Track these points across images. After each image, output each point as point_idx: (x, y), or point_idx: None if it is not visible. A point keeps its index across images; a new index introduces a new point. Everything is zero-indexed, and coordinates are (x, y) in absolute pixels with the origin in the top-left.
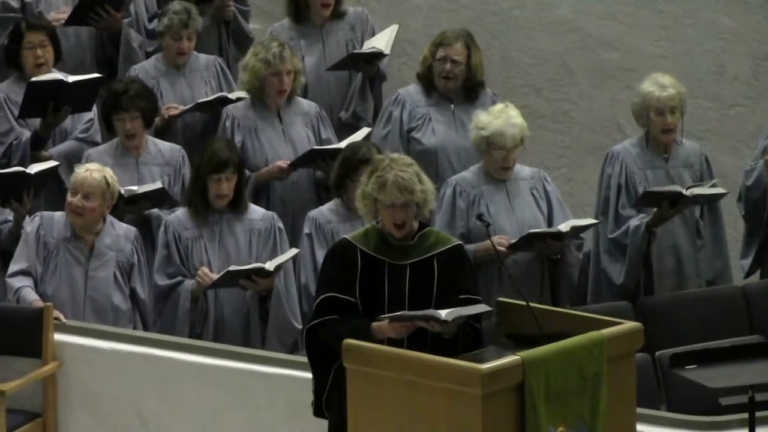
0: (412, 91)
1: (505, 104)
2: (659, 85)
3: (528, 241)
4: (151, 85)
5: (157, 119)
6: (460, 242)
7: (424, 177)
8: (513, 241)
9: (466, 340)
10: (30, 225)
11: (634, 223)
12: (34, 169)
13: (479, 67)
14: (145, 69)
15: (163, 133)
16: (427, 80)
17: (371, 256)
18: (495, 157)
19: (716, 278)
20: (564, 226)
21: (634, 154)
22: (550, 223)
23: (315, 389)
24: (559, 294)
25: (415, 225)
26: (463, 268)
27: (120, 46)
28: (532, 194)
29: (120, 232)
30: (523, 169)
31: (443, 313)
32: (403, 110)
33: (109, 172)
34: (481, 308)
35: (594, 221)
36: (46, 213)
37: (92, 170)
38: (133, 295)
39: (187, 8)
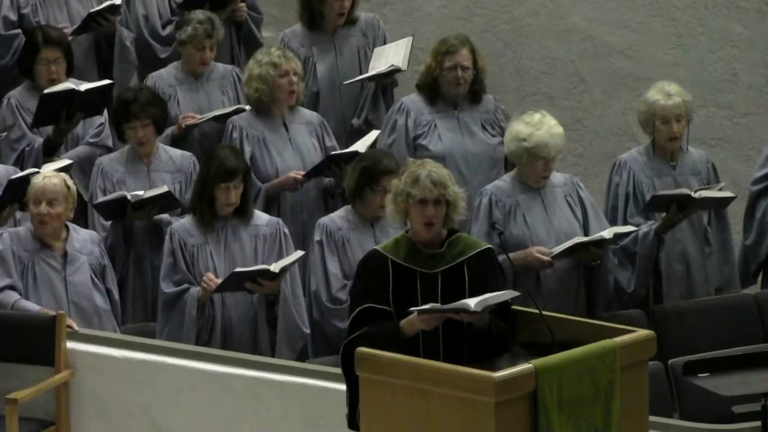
0: (415, 99)
1: (541, 113)
2: (665, 93)
3: (571, 249)
4: (168, 93)
5: (174, 128)
6: (490, 246)
7: (454, 181)
8: (555, 252)
9: (500, 332)
10: (1, 244)
11: (642, 229)
12: (47, 168)
13: (484, 70)
14: (162, 77)
15: (179, 142)
16: (429, 89)
17: (402, 266)
18: (535, 168)
19: (724, 284)
20: (607, 233)
21: (641, 162)
22: (585, 230)
23: (350, 402)
24: (596, 300)
25: (444, 233)
26: (493, 271)
27: (115, 46)
28: (567, 201)
29: (85, 236)
30: (555, 176)
31: (472, 304)
32: (408, 118)
33: (66, 176)
34: (509, 294)
35: (634, 229)
36: (11, 229)
37: (49, 176)
38: (109, 297)
39: (210, 18)
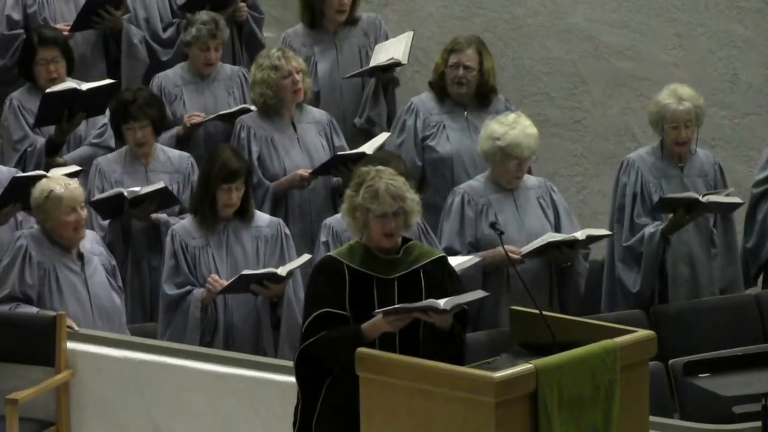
0: (425, 99)
1: (516, 113)
2: (677, 97)
3: (542, 249)
4: (175, 93)
5: (179, 128)
6: (444, 254)
7: (410, 187)
8: (526, 250)
9: (460, 336)
10: (12, 249)
11: (649, 230)
12: (55, 173)
13: (492, 72)
14: (168, 77)
15: (185, 142)
16: (439, 88)
17: (358, 272)
18: (509, 167)
19: (728, 286)
20: (580, 234)
21: (649, 163)
22: (557, 232)
23: (302, 410)
24: (567, 302)
25: (399, 239)
26: (449, 278)
27: (122, 43)
28: (539, 203)
29: (90, 236)
30: (528, 178)
31: (441, 303)
32: (417, 119)
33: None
34: (478, 294)
35: (608, 232)
36: (25, 231)
37: (68, 184)
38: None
39: (214, 18)
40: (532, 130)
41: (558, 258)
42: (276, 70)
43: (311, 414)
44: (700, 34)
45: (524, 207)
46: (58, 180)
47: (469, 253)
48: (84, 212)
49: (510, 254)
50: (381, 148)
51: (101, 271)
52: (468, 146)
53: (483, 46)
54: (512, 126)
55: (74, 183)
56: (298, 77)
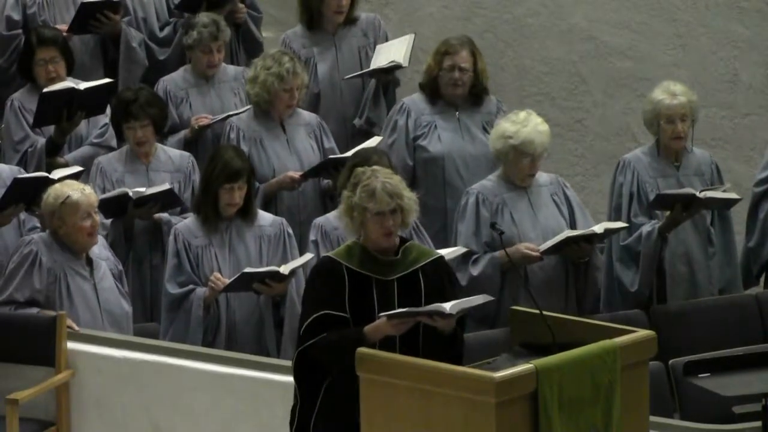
0: (416, 99)
1: (527, 111)
2: (670, 93)
3: (560, 245)
4: (180, 96)
5: (187, 131)
6: (442, 254)
7: (406, 186)
8: (545, 247)
9: (462, 339)
10: (21, 253)
11: (646, 229)
12: (57, 174)
13: (484, 72)
14: (173, 80)
15: (193, 144)
16: (431, 90)
17: (358, 273)
18: (522, 165)
19: (726, 286)
20: (598, 228)
21: (645, 162)
22: (572, 228)
23: (300, 410)
24: (585, 298)
25: (396, 240)
26: (448, 279)
27: (120, 46)
28: (553, 200)
29: (98, 241)
30: (541, 176)
31: (448, 306)
32: (408, 118)
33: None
34: (483, 299)
35: (625, 225)
36: (35, 237)
37: (83, 189)
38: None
39: (215, 20)
40: (544, 127)
41: (576, 253)
42: (280, 81)
43: (309, 415)
44: (700, 34)
45: (538, 204)
46: (72, 185)
47: (485, 253)
48: (98, 217)
49: (527, 251)
50: None
51: (109, 277)
52: (459, 146)
53: (474, 46)
54: (524, 124)
55: (88, 188)
56: (297, 93)
